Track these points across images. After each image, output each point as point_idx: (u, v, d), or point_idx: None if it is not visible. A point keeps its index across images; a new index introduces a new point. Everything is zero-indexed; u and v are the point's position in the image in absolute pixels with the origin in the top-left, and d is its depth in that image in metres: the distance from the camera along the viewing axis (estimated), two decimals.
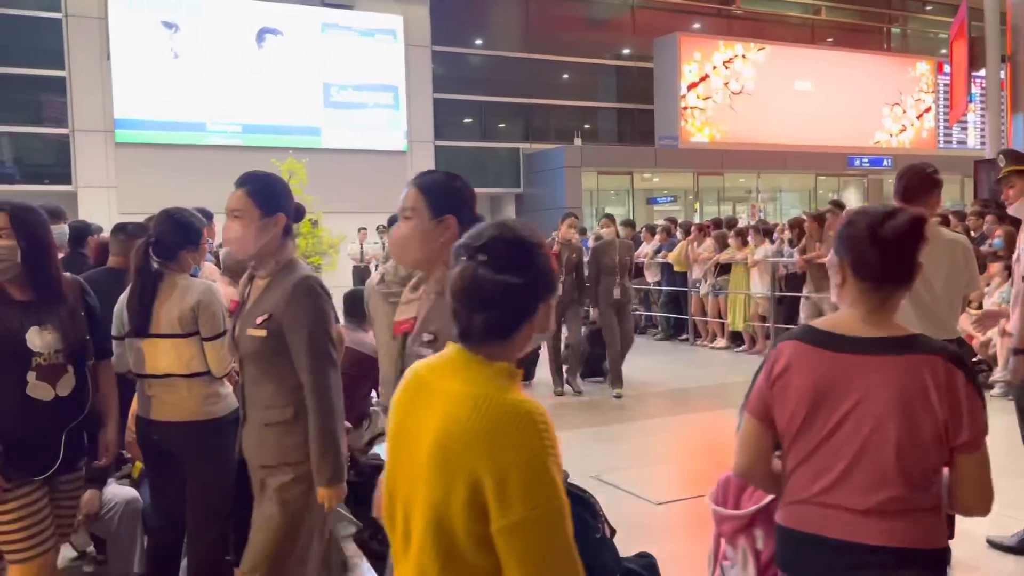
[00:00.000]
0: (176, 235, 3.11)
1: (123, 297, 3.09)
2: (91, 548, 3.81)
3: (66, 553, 3.67)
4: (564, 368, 8.01)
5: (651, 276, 11.84)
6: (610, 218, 8.39)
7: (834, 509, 1.81)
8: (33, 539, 2.60)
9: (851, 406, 1.80)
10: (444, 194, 2.15)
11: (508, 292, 1.38)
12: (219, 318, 3.06)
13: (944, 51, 25.23)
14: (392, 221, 4.07)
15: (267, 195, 2.60)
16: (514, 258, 1.40)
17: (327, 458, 2.54)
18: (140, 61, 16.54)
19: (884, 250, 1.83)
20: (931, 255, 3.48)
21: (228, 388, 3.27)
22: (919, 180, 3.51)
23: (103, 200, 15.59)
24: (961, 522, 4.12)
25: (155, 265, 3.05)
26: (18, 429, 2.59)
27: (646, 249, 11.86)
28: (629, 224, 11.38)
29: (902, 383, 1.77)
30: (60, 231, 4.28)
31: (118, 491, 3.60)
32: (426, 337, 2.04)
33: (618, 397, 7.66)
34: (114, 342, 3.09)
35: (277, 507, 2.57)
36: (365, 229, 14.45)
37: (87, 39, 16.33)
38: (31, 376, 2.59)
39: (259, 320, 2.54)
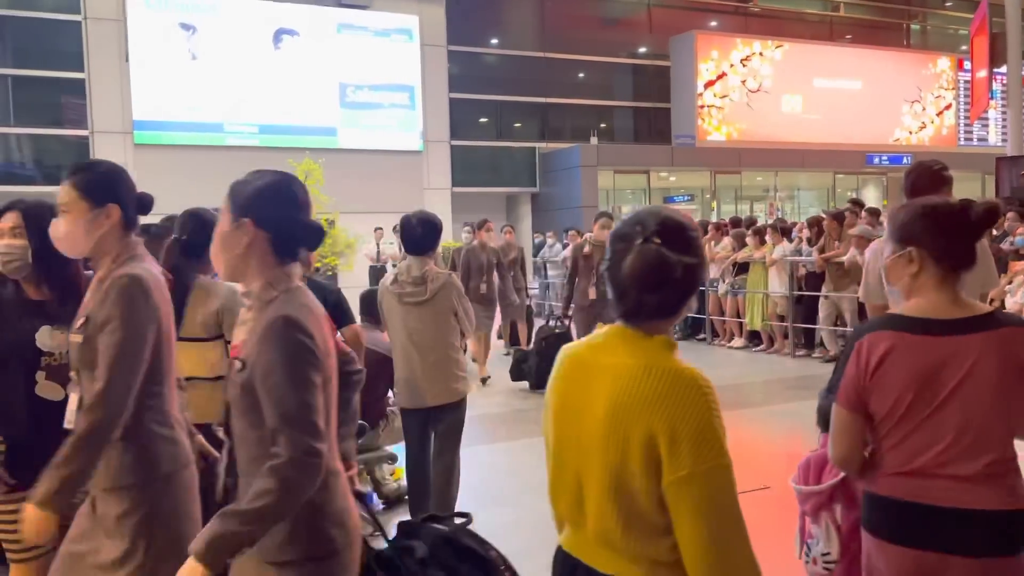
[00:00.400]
0: (205, 234, 3.12)
1: None
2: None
3: None
4: None
5: None
6: (610, 217, 8.28)
7: (941, 478, 1.93)
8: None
9: (957, 383, 1.92)
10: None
11: (686, 272, 1.49)
12: None
13: (964, 47, 24.97)
14: (404, 222, 4.08)
15: (95, 184, 2.28)
16: (685, 240, 1.51)
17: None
18: (158, 63, 16.67)
19: (969, 238, 1.99)
20: None
21: None
22: (928, 177, 3.44)
23: None
24: None
25: (185, 265, 3.06)
26: (26, 429, 2.58)
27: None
28: None
29: (999, 355, 1.92)
30: None
31: None
32: (236, 365, 1.83)
33: None
34: None
35: None
36: (381, 229, 14.46)
37: (106, 41, 16.47)
38: (40, 376, 2.58)
39: (77, 324, 2.22)
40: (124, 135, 16.50)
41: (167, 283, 2.85)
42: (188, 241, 3.07)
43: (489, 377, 8.55)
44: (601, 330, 1.60)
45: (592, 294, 7.42)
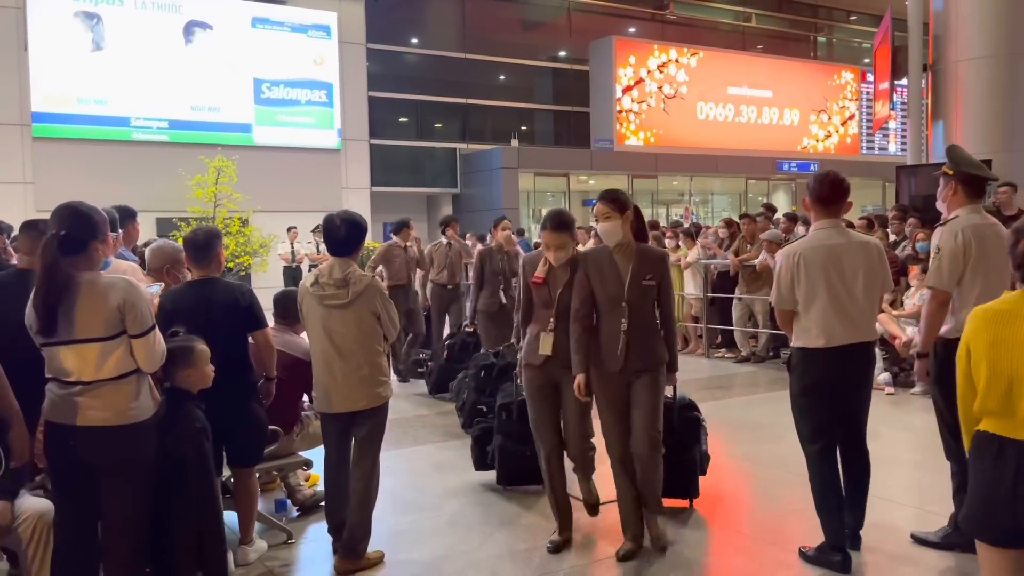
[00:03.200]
0: (83, 228, 2.96)
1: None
2: (2, 562, 3.61)
3: None
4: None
5: None
6: (508, 220, 8.20)
7: None
8: None
9: None
10: None
11: None
12: (146, 313, 2.99)
13: (867, 60, 26.12)
14: (329, 222, 3.97)
15: None
16: None
17: None
18: (60, 53, 15.88)
19: None
20: (848, 257, 3.61)
21: (147, 390, 3.16)
22: (839, 188, 3.69)
23: (19, 197, 14.90)
24: (886, 516, 4.25)
25: (64, 263, 2.89)
26: None
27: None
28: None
29: None
30: None
31: (31, 502, 3.41)
32: None
33: None
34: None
35: None
36: (295, 228, 14.16)
37: (3, 29, 15.60)
38: None
39: None
40: (22, 127, 15.65)
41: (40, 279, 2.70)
42: (66, 236, 2.90)
43: None
44: (1009, 294, 2.38)
45: (503, 299, 7.20)
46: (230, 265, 13.89)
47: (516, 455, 4.71)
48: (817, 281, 3.59)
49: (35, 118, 15.73)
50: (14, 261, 4.80)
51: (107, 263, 3.49)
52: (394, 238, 8.61)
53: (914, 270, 7.89)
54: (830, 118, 25.65)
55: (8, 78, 15.56)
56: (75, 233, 2.90)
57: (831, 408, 3.70)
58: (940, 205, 3.94)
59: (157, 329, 3.11)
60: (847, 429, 3.78)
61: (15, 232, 4.34)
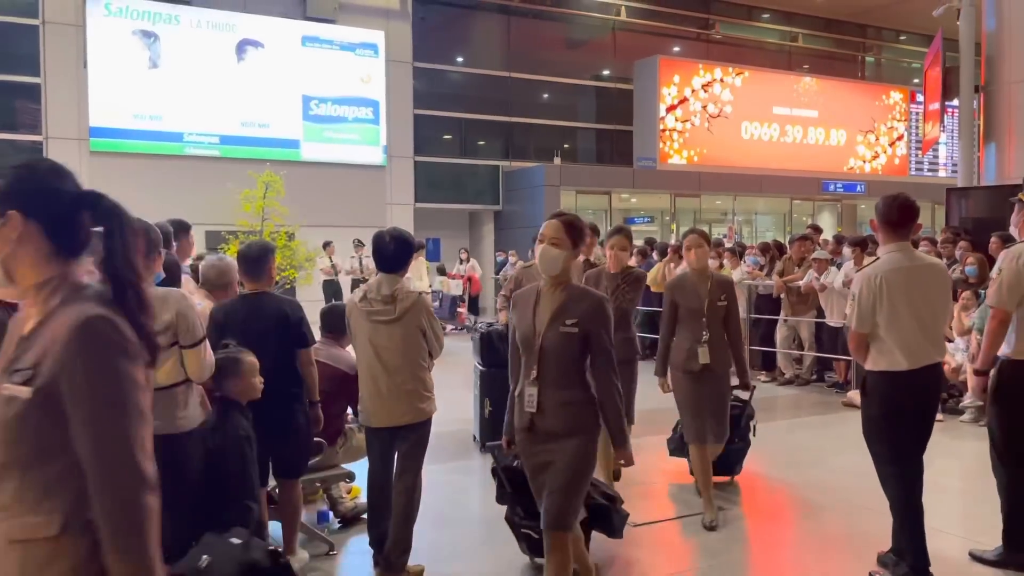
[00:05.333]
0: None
1: None
2: None
3: None
4: None
5: None
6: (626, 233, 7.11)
7: None
8: None
9: None
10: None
11: None
12: (197, 325, 3.08)
13: (916, 80, 25.72)
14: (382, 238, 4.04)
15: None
16: None
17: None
18: (118, 70, 16.39)
19: None
20: (922, 279, 3.64)
21: (196, 400, 3.25)
22: (909, 210, 3.72)
23: None
24: (934, 544, 4.16)
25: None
26: None
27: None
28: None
29: None
30: None
31: None
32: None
33: None
34: None
35: None
36: (332, 243, 14.55)
37: (64, 46, 16.15)
38: None
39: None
40: (80, 141, 16.15)
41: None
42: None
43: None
44: None
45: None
46: (277, 279, 14.15)
47: None
48: (899, 303, 3.63)
49: (92, 133, 16.22)
50: None
51: (158, 278, 3.60)
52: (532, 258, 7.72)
53: (964, 294, 7.73)
54: (878, 138, 25.26)
55: (68, 94, 16.10)
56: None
57: (911, 429, 3.73)
58: (1013, 231, 4.12)
59: (207, 341, 3.20)
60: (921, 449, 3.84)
61: None
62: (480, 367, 6.45)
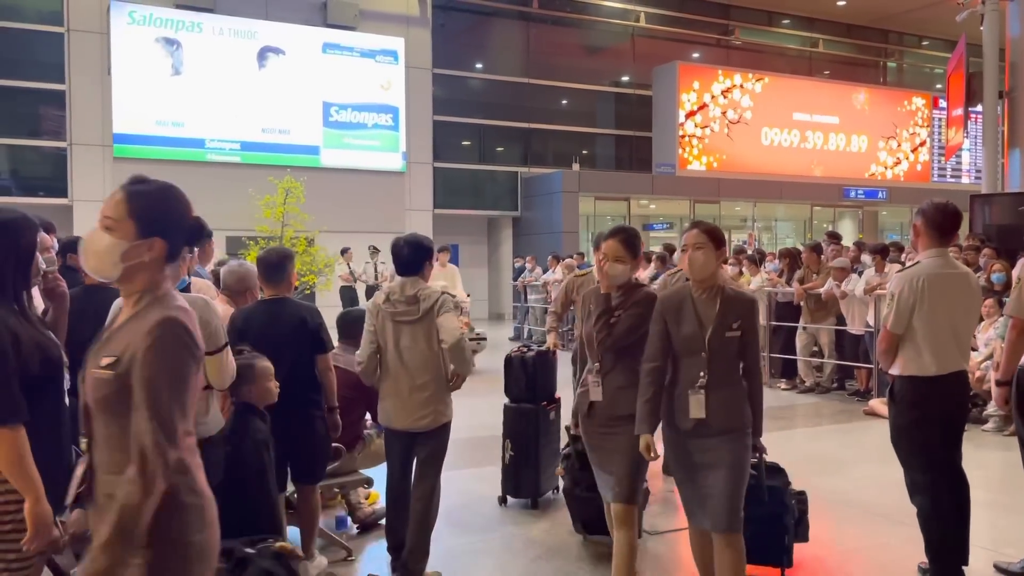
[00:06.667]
0: None
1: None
2: (75, 570, 3.73)
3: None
4: None
5: None
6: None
7: None
8: (19, 561, 2.54)
9: None
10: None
11: None
12: (220, 331, 3.08)
13: (939, 86, 25.48)
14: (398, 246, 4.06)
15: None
16: None
17: None
18: (141, 77, 16.58)
19: None
20: (958, 286, 3.62)
21: (216, 406, 3.27)
22: (956, 218, 3.74)
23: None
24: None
25: None
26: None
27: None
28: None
29: None
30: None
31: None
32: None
33: None
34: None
35: None
36: (350, 249, 14.65)
37: (88, 54, 16.37)
38: None
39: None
40: (103, 148, 16.35)
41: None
42: None
43: None
44: None
45: None
46: (296, 284, 14.23)
47: None
48: (937, 307, 3.63)
49: (116, 139, 16.42)
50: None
51: (184, 282, 3.62)
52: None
53: (988, 302, 7.63)
54: (899, 144, 25.04)
55: (92, 100, 16.30)
56: None
57: (942, 435, 3.73)
58: None
59: (229, 348, 3.21)
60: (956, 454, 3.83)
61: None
62: (506, 400, 5.33)
